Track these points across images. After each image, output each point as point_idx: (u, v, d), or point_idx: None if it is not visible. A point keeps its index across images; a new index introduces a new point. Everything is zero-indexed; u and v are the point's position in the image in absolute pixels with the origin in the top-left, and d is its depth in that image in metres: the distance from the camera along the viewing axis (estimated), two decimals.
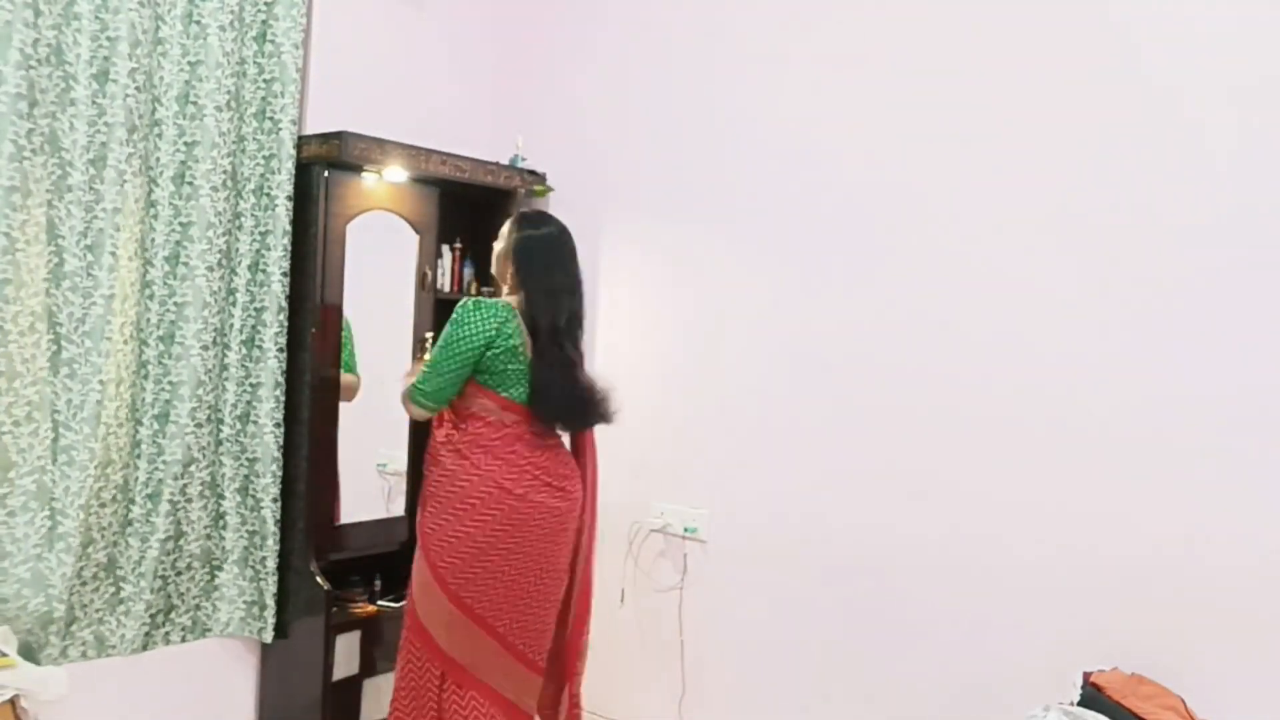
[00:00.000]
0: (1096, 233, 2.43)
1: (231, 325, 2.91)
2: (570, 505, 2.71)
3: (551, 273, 2.63)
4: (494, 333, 2.54)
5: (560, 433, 2.76)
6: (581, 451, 2.83)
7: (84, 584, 2.65)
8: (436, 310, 3.33)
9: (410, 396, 2.64)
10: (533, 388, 2.60)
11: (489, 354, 2.55)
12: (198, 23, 2.77)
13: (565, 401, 2.64)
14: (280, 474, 2.97)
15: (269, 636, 2.99)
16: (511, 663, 2.66)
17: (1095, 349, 2.43)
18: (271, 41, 2.94)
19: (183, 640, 2.91)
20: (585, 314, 2.71)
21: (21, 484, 2.49)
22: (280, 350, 2.94)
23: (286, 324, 2.96)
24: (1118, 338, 2.40)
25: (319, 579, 2.93)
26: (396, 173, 3.10)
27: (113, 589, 2.74)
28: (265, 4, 2.92)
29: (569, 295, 2.64)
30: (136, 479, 2.76)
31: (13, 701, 2.22)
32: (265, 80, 2.94)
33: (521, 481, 2.60)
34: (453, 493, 2.62)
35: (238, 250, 2.91)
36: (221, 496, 2.93)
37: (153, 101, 2.71)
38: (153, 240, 2.75)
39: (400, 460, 3.35)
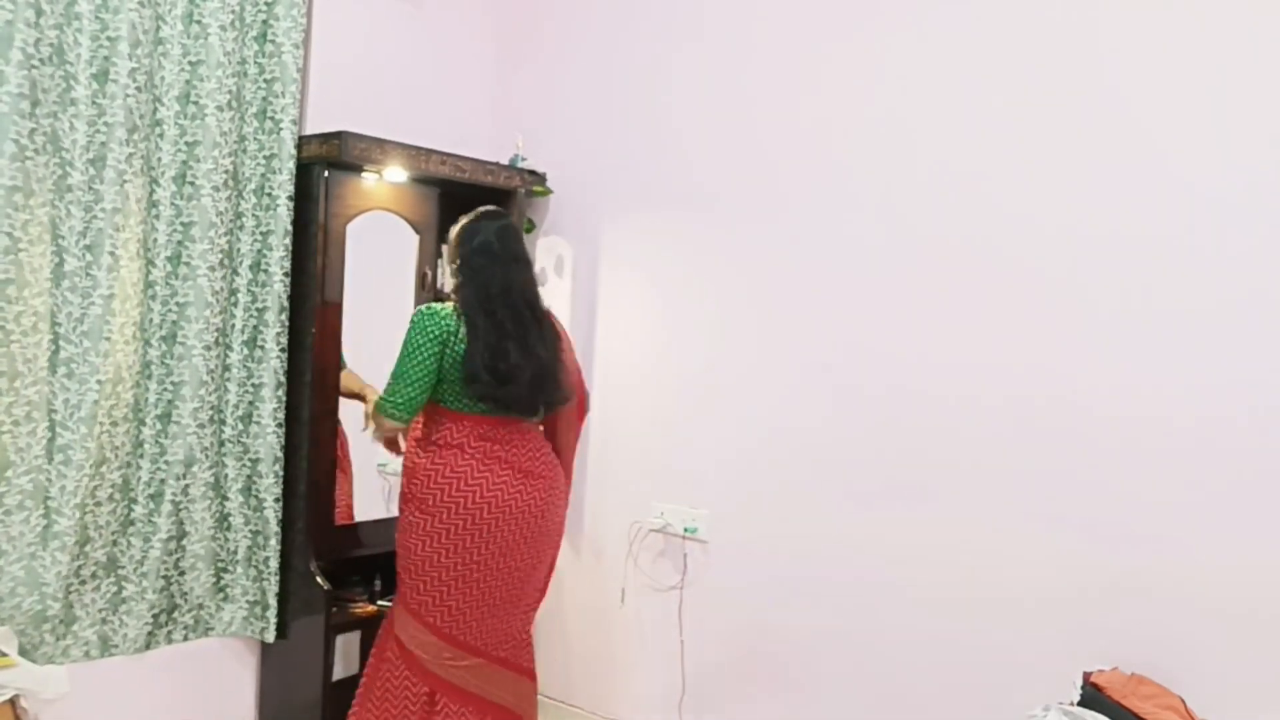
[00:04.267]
0: (1110, 239, 2.43)
1: (233, 325, 2.91)
2: (544, 496, 2.67)
3: (479, 252, 2.61)
4: (449, 332, 2.54)
5: (532, 421, 2.72)
6: (552, 436, 2.82)
7: (83, 583, 2.65)
8: None
9: (380, 410, 2.62)
10: (463, 371, 2.54)
11: (446, 357, 2.55)
12: (198, 23, 2.77)
13: (490, 377, 2.52)
14: (282, 474, 2.96)
15: (271, 636, 2.99)
16: (502, 673, 2.70)
17: (1097, 354, 2.43)
18: (272, 41, 2.94)
19: (184, 639, 2.91)
20: (531, 286, 2.66)
21: (18, 483, 2.49)
22: (282, 350, 2.94)
23: (288, 324, 2.96)
24: (1125, 345, 2.39)
25: (319, 579, 2.93)
26: (396, 173, 3.10)
27: (115, 588, 2.73)
28: (265, 4, 2.92)
29: (500, 266, 2.59)
30: (139, 479, 2.76)
31: (13, 701, 2.22)
32: (266, 80, 2.94)
33: (479, 472, 2.58)
34: (412, 496, 2.63)
35: (239, 250, 2.91)
36: (225, 497, 2.93)
37: (154, 101, 2.71)
38: (154, 240, 2.75)
39: (400, 460, 3.35)
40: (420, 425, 2.68)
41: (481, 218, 2.69)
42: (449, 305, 2.61)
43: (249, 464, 2.96)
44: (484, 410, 2.59)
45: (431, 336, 2.54)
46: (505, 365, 2.53)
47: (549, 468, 2.72)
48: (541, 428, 2.80)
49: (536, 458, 2.69)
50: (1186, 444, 2.30)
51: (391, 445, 2.85)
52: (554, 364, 2.65)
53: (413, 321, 2.58)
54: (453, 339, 2.54)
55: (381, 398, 2.62)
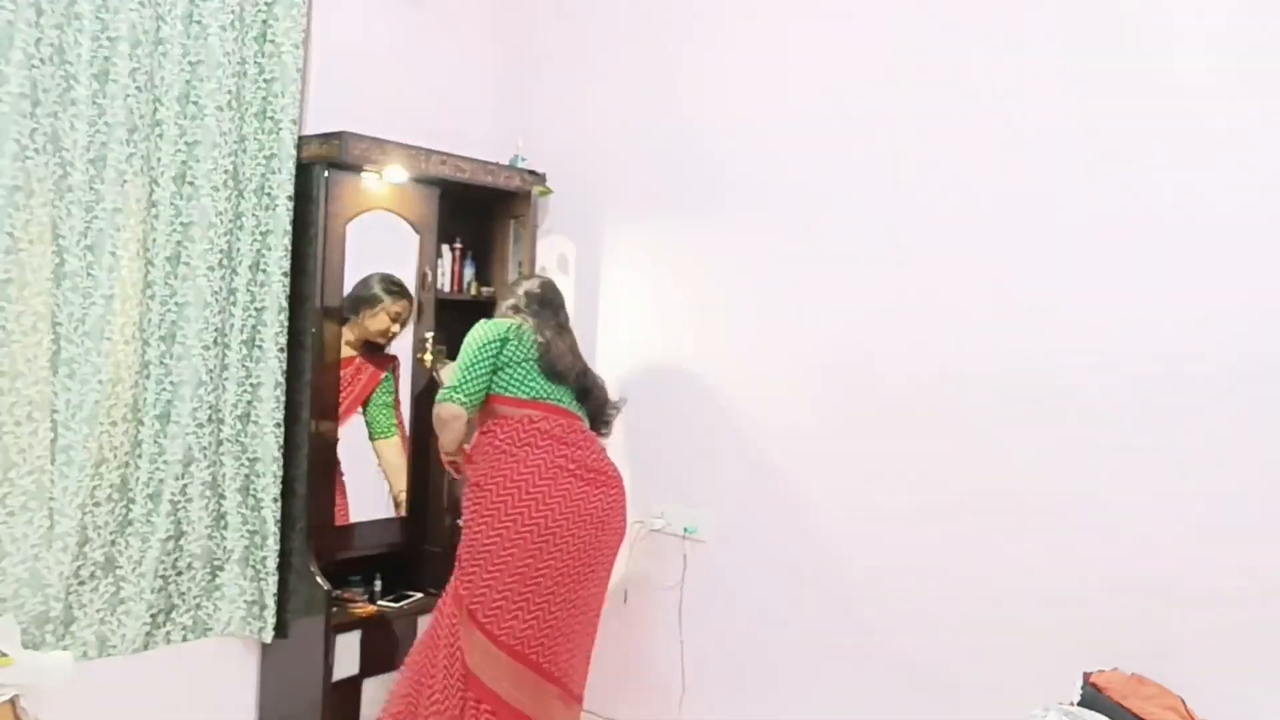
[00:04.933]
0: (1110, 226, 2.43)
1: (232, 325, 2.91)
2: (612, 499, 2.81)
3: (537, 298, 2.99)
4: (509, 332, 2.82)
5: (590, 430, 2.92)
6: None
7: (82, 583, 2.65)
8: (437, 310, 3.33)
9: (445, 398, 2.79)
10: (546, 363, 2.83)
11: (506, 349, 2.81)
12: (198, 23, 2.77)
13: (575, 372, 2.86)
14: (280, 474, 2.96)
15: (269, 636, 2.99)
16: (547, 688, 2.72)
17: (1098, 359, 2.43)
18: (272, 41, 2.94)
19: (183, 640, 2.91)
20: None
21: (21, 483, 2.50)
22: (281, 350, 2.94)
23: (287, 324, 2.96)
24: (1127, 348, 2.39)
25: (319, 579, 2.93)
26: (396, 173, 3.10)
27: (113, 589, 2.73)
28: (265, 4, 2.92)
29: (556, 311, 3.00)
30: (137, 479, 2.76)
31: (13, 701, 2.22)
32: (266, 80, 2.94)
33: (547, 471, 2.73)
34: (478, 503, 2.76)
35: (238, 250, 2.91)
36: (222, 496, 2.93)
37: (154, 101, 2.71)
38: (154, 240, 2.75)
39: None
40: (475, 436, 2.90)
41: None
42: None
43: (247, 463, 2.96)
44: (543, 400, 2.83)
45: (493, 334, 2.82)
46: (588, 372, 2.96)
47: (613, 468, 2.88)
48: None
49: (599, 456, 2.86)
50: (1187, 444, 2.30)
51: (455, 467, 2.99)
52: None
53: (475, 328, 2.86)
54: (519, 331, 2.85)
55: (448, 386, 2.80)
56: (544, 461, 2.73)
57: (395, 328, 3.22)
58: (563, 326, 2.96)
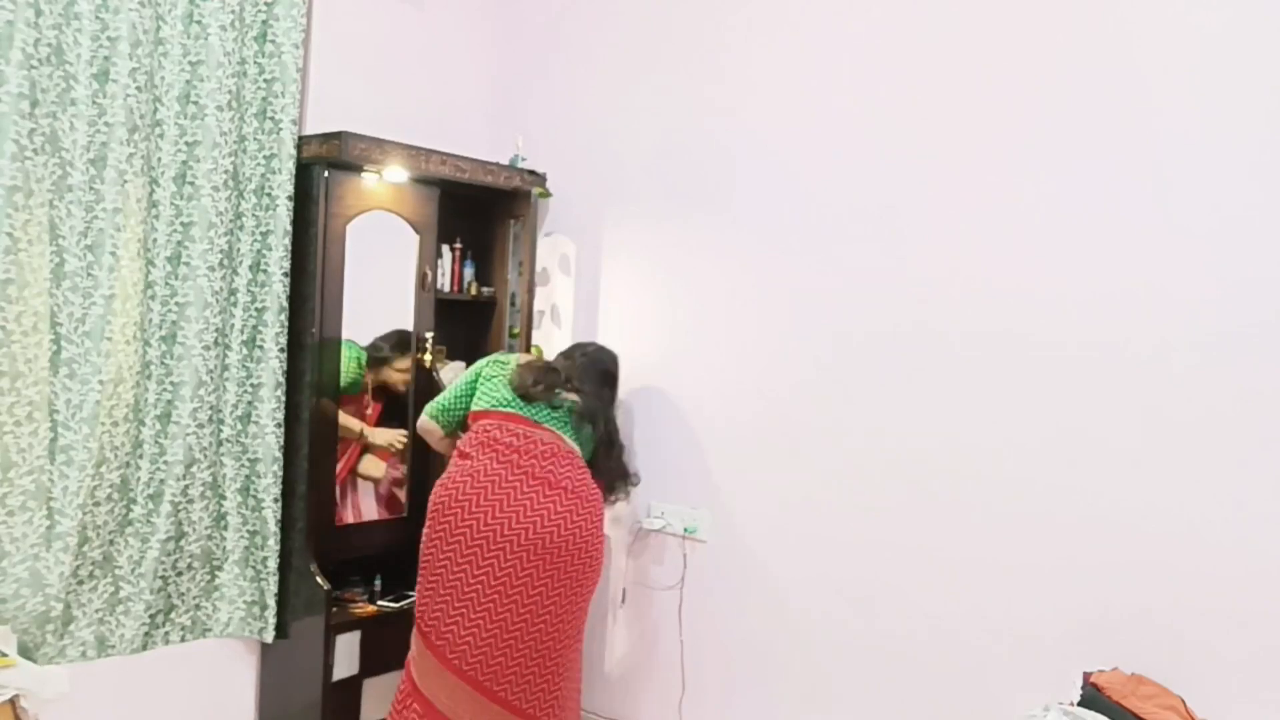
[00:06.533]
0: (1093, 233, 2.43)
1: (232, 325, 2.91)
2: (568, 510, 2.74)
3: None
4: (490, 362, 3.02)
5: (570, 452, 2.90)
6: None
7: (81, 583, 2.65)
8: (437, 310, 3.33)
9: (423, 413, 3.04)
10: (518, 379, 2.91)
11: (485, 370, 3.00)
12: (198, 23, 2.78)
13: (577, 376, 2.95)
14: (281, 474, 2.96)
15: (269, 637, 2.99)
16: (494, 710, 2.68)
17: (1100, 354, 2.43)
18: (272, 41, 2.94)
19: (182, 640, 2.91)
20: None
21: (21, 483, 2.50)
22: (281, 350, 2.95)
23: (287, 324, 2.97)
24: (1121, 340, 2.39)
25: (319, 579, 2.93)
26: (396, 173, 3.11)
27: (112, 589, 2.73)
28: (265, 4, 2.92)
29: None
30: (138, 479, 2.76)
31: (13, 701, 2.22)
32: (266, 80, 2.94)
33: (486, 476, 2.74)
34: (427, 509, 2.85)
35: (239, 250, 2.91)
36: (223, 497, 2.93)
37: (154, 101, 2.71)
38: (154, 240, 2.75)
39: None
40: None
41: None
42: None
43: (247, 464, 2.96)
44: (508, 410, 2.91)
45: (471, 371, 3.07)
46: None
47: (590, 488, 2.87)
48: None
49: (564, 473, 2.82)
50: (1188, 445, 2.30)
51: None
52: None
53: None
54: (495, 361, 3.08)
55: (427, 405, 3.07)
56: (483, 468, 2.74)
57: (408, 377, 3.34)
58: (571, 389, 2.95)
